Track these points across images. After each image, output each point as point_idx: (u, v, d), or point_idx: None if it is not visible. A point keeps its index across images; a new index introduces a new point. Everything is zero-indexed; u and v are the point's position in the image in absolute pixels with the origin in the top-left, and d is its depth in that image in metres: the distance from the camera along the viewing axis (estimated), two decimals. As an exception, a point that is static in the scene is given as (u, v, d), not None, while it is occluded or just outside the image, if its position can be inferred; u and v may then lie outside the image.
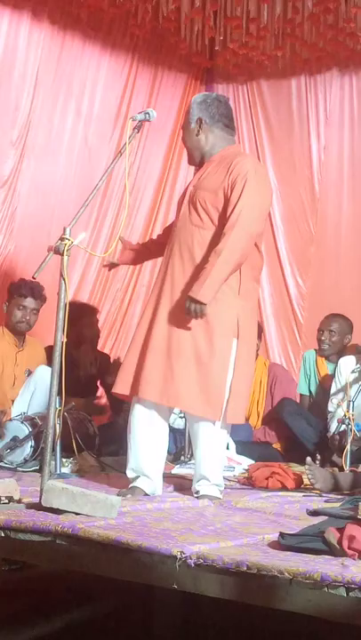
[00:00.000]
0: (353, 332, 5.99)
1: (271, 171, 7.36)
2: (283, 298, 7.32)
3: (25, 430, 4.64)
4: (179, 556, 2.55)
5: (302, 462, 4.34)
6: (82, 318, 5.63)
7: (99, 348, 6.03)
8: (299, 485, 4.33)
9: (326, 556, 2.57)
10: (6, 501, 3.31)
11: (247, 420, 5.91)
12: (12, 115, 6.06)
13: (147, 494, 3.80)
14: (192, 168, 4.35)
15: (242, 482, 4.52)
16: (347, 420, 4.65)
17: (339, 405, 5.18)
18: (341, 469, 4.61)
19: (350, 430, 4.61)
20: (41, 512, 3.16)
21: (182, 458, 5.03)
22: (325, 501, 3.88)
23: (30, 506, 3.29)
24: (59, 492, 3.18)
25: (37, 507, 3.22)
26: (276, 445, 5.80)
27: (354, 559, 2.53)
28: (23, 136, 6.11)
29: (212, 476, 3.84)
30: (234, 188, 3.76)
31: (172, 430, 4.72)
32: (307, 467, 4.17)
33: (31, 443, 4.61)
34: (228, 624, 3.10)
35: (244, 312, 3.83)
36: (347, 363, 5.42)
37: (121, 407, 5.50)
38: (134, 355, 3.87)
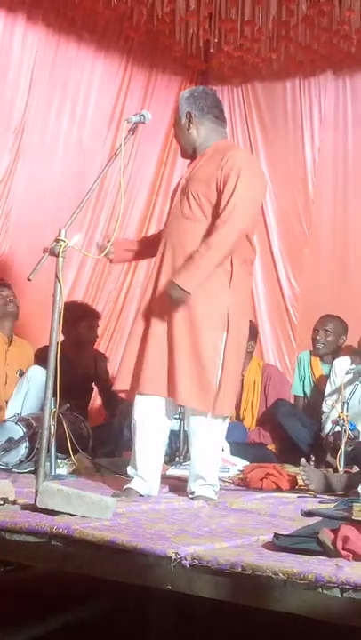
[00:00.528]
0: (347, 334, 6.01)
1: (266, 172, 7.30)
2: (277, 299, 7.33)
3: (20, 431, 4.64)
4: (173, 557, 2.56)
5: (297, 463, 4.35)
6: (82, 320, 5.65)
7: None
8: (293, 486, 4.34)
9: (321, 557, 2.58)
10: (1, 502, 3.31)
11: (242, 420, 5.92)
12: (6, 116, 6.07)
13: (141, 495, 3.80)
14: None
15: (236, 483, 4.53)
16: (341, 422, 4.66)
17: (333, 407, 5.19)
18: (336, 470, 4.62)
19: (345, 431, 4.62)
20: (36, 513, 3.16)
21: (177, 459, 5.03)
22: (320, 502, 3.89)
23: (25, 507, 3.29)
24: (54, 493, 3.19)
25: (32, 508, 3.22)
26: (271, 446, 5.81)
27: (348, 560, 2.53)
28: (18, 137, 6.12)
29: (207, 476, 3.85)
30: (227, 182, 3.75)
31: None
32: (301, 468, 4.18)
33: (26, 444, 4.61)
34: (223, 625, 3.11)
35: (234, 305, 3.83)
36: (341, 364, 5.43)
37: (116, 408, 5.51)
38: (133, 351, 3.87)
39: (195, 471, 3.87)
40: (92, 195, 3.80)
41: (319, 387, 5.85)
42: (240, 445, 5.41)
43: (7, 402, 5.18)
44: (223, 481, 4.50)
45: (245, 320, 4.02)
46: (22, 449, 4.60)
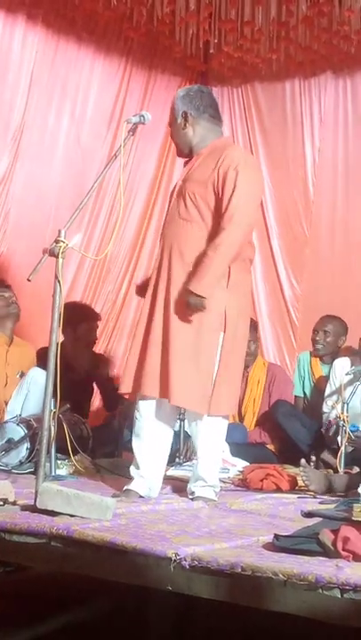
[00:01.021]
0: (347, 334, 6.01)
1: (266, 173, 7.36)
2: (278, 299, 7.33)
3: (20, 432, 4.64)
4: (173, 558, 2.56)
5: (297, 464, 4.35)
6: (82, 322, 5.64)
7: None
8: (293, 487, 4.34)
9: (321, 558, 2.58)
10: (1, 503, 3.31)
11: (242, 418, 5.92)
12: (6, 116, 6.07)
13: (141, 497, 3.80)
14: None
15: (236, 483, 4.53)
16: (341, 422, 4.65)
17: (333, 407, 5.19)
18: (336, 471, 4.62)
19: (345, 432, 4.62)
20: (36, 514, 3.16)
21: (177, 460, 5.02)
22: (320, 503, 3.89)
23: (25, 508, 3.29)
24: (53, 494, 3.19)
25: (32, 509, 3.22)
26: (271, 447, 5.81)
27: (348, 561, 2.53)
28: (17, 137, 6.12)
29: (208, 477, 3.86)
30: (225, 181, 3.75)
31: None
32: (301, 468, 4.18)
33: (27, 445, 4.60)
34: (223, 626, 3.10)
35: (231, 305, 3.83)
36: (341, 364, 5.43)
37: (115, 407, 5.51)
38: (135, 353, 3.88)
39: (197, 472, 3.87)
40: (91, 195, 3.79)
41: (319, 387, 5.85)
42: (240, 446, 5.41)
43: (7, 403, 5.18)
44: (223, 481, 4.50)
45: (244, 319, 4.00)
46: (23, 450, 4.60)
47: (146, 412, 3.85)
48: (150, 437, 3.85)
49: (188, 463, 4.80)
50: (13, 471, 4.53)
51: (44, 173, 6.38)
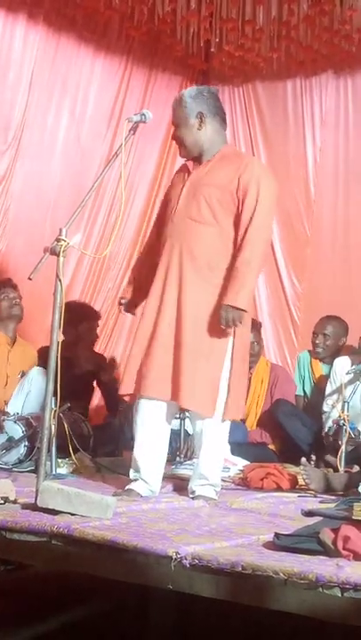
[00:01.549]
0: (349, 333, 6.00)
1: (267, 172, 7.37)
2: (279, 298, 7.33)
3: (19, 431, 4.64)
4: (174, 557, 2.56)
5: (297, 463, 4.35)
6: (83, 322, 5.63)
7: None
8: (294, 486, 4.34)
9: (321, 557, 2.58)
10: (2, 502, 3.32)
11: (244, 420, 5.92)
12: (7, 115, 6.07)
13: (142, 496, 3.80)
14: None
15: (237, 482, 4.53)
16: (341, 422, 4.65)
17: (333, 406, 5.19)
18: (336, 470, 4.62)
19: (345, 431, 4.62)
20: (36, 512, 3.16)
21: (178, 459, 5.03)
22: (320, 502, 3.89)
23: (26, 506, 3.29)
24: (54, 492, 3.19)
25: (33, 507, 3.23)
26: (272, 446, 5.81)
27: (348, 560, 2.53)
28: (18, 136, 6.12)
29: (210, 476, 3.86)
30: (247, 192, 3.79)
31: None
32: (302, 467, 4.18)
33: (25, 443, 4.61)
34: (223, 624, 3.11)
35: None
36: (342, 363, 5.42)
37: (117, 408, 5.51)
38: (138, 355, 3.86)
39: (198, 470, 3.87)
40: (91, 194, 3.79)
41: (319, 386, 5.84)
42: (241, 445, 5.40)
43: (7, 402, 5.18)
44: (224, 480, 4.49)
45: (248, 320, 4.02)
46: (22, 448, 4.61)
47: (146, 414, 3.84)
48: (150, 439, 3.84)
49: (188, 462, 4.80)
50: (13, 469, 4.53)
51: (44, 171, 6.38)
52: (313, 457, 4.53)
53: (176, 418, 5.07)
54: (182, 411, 4.55)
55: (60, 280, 3.47)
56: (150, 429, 3.84)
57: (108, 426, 5.57)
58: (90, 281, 6.74)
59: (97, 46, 6.67)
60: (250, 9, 6.49)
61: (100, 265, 6.73)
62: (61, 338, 3.56)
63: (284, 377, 6.09)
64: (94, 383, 5.87)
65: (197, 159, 3.98)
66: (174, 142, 4.14)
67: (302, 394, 6.10)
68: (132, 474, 3.86)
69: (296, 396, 6.09)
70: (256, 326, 6.09)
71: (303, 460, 4.23)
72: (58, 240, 3.47)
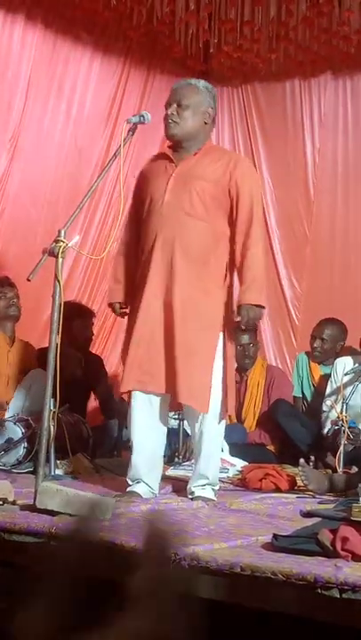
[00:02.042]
0: (348, 334, 5.99)
1: (266, 173, 7.39)
2: (278, 299, 7.33)
3: (18, 432, 4.64)
4: (172, 558, 2.55)
5: (296, 464, 4.35)
6: (76, 319, 5.63)
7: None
8: (292, 487, 4.34)
9: (320, 558, 2.58)
10: (1, 503, 3.31)
11: (243, 420, 5.92)
12: (4, 116, 6.07)
13: (143, 498, 3.79)
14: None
15: (236, 483, 4.53)
16: (340, 422, 4.65)
17: (332, 407, 5.19)
18: (335, 471, 4.62)
19: (344, 432, 4.62)
20: (35, 514, 3.16)
21: (176, 459, 5.03)
22: (319, 503, 3.89)
23: (25, 507, 3.29)
24: (53, 493, 3.19)
25: (32, 508, 3.22)
26: (270, 447, 5.81)
27: (347, 560, 2.53)
28: (16, 137, 6.12)
29: (210, 476, 3.87)
30: (241, 190, 3.82)
31: (168, 431, 4.72)
32: (300, 468, 4.18)
33: (24, 444, 4.61)
34: (221, 626, 3.10)
35: (229, 306, 3.88)
36: (343, 363, 5.39)
37: (112, 410, 5.50)
38: (134, 351, 3.83)
39: (197, 471, 3.88)
40: (89, 195, 3.79)
41: (319, 387, 5.84)
42: (239, 446, 5.41)
43: (8, 402, 5.18)
44: (222, 481, 4.50)
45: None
46: (21, 449, 4.61)
47: (141, 413, 3.83)
48: (147, 440, 3.84)
49: (187, 463, 4.80)
50: (13, 471, 4.53)
51: (40, 172, 6.38)
52: (312, 458, 4.53)
53: (175, 418, 5.08)
54: (178, 411, 4.54)
55: (58, 281, 3.47)
56: (146, 430, 3.84)
57: (106, 427, 5.57)
58: (87, 282, 6.73)
59: (95, 47, 6.67)
60: (248, 10, 6.49)
61: (98, 266, 6.72)
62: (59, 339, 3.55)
63: (280, 377, 6.09)
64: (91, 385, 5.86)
65: (178, 148, 3.94)
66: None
67: (300, 395, 6.10)
68: (131, 477, 3.85)
69: (295, 397, 6.09)
70: (252, 329, 6.08)
71: (302, 461, 4.23)
72: (56, 241, 3.46)
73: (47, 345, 3.52)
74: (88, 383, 5.80)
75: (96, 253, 6.18)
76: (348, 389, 4.92)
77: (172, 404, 3.92)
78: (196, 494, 3.81)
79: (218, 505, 3.72)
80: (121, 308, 4.04)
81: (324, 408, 5.44)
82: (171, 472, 4.71)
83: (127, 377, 3.85)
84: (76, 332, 5.63)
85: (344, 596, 2.31)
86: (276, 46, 6.83)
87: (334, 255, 7.19)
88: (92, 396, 6.02)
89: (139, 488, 3.81)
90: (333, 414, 5.02)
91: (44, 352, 3.60)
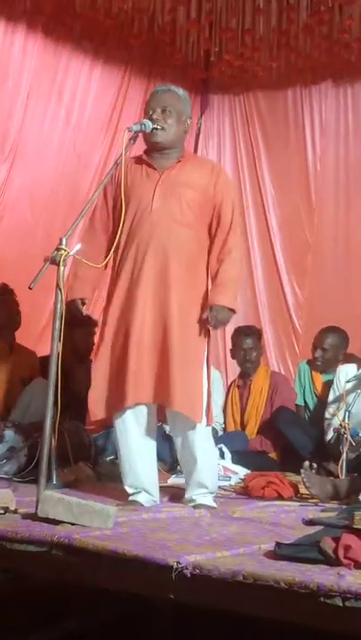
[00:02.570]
0: (350, 341, 5.97)
1: (268, 180, 7.42)
2: (281, 306, 7.34)
3: (19, 440, 4.63)
4: (175, 567, 2.55)
5: (298, 471, 4.33)
6: (78, 328, 5.61)
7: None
8: (295, 495, 4.33)
9: (322, 566, 2.57)
10: (2, 512, 3.30)
11: (245, 426, 5.91)
12: (4, 124, 6.08)
13: (145, 507, 3.78)
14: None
15: (238, 491, 4.52)
16: (342, 430, 4.64)
17: (335, 415, 5.17)
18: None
19: (346, 439, 4.61)
20: (37, 522, 3.15)
21: (178, 467, 5.01)
22: (322, 511, 3.88)
23: (26, 516, 3.28)
24: (55, 502, 3.18)
25: (33, 517, 3.21)
26: (273, 455, 5.80)
27: (350, 569, 2.52)
28: (16, 145, 6.13)
29: (210, 484, 3.87)
30: (224, 200, 3.88)
31: (168, 439, 4.72)
32: (302, 471, 4.17)
33: (25, 452, 4.60)
34: (224, 635, 3.10)
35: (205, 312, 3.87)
36: (346, 370, 5.37)
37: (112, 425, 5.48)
38: (105, 373, 3.81)
39: (196, 479, 3.85)
40: (86, 203, 3.78)
41: (321, 396, 5.83)
42: (241, 454, 5.40)
43: (10, 411, 5.18)
44: (225, 489, 4.50)
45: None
46: (22, 458, 4.60)
47: (132, 428, 3.81)
48: (141, 453, 3.83)
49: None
50: (14, 479, 4.53)
51: (40, 180, 6.37)
52: (314, 465, 4.52)
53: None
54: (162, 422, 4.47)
55: (60, 289, 3.46)
56: (140, 441, 3.82)
57: (106, 435, 5.55)
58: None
59: (95, 55, 6.67)
60: (249, 18, 6.52)
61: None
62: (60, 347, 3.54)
63: (284, 384, 6.08)
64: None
65: (158, 155, 3.91)
66: None
67: (303, 404, 6.09)
68: (129, 489, 3.84)
69: (297, 405, 6.08)
70: (256, 333, 6.09)
71: (305, 463, 4.22)
72: (58, 249, 3.46)
73: (47, 353, 3.51)
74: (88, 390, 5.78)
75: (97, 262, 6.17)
76: (351, 397, 4.91)
77: (159, 414, 3.91)
78: (198, 502, 3.80)
79: (220, 513, 3.71)
80: (82, 304, 3.97)
81: (327, 415, 5.43)
82: (172, 480, 4.70)
83: (96, 404, 3.84)
84: (78, 341, 5.61)
85: (347, 604, 2.30)
86: (277, 54, 6.86)
87: (336, 262, 7.19)
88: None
89: (140, 497, 3.80)
90: (336, 422, 5.00)
91: (46, 360, 3.59)
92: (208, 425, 3.85)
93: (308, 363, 6.10)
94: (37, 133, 6.35)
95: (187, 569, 2.53)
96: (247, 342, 5.93)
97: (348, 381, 5.08)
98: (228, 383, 6.38)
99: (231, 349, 6.16)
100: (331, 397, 5.47)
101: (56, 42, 6.34)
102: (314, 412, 5.99)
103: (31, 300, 5.34)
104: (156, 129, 3.82)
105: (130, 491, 3.84)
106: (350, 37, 6.48)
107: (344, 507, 3.83)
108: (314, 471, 4.37)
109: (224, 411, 6.04)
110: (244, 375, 6.04)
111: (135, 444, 3.83)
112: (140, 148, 3.97)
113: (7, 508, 3.33)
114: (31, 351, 5.58)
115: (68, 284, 3.88)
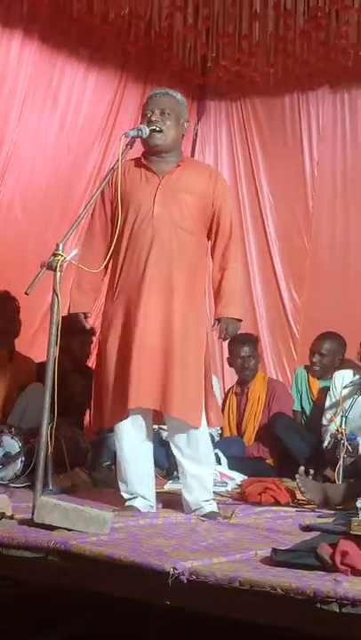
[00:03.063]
0: (347, 346, 5.97)
1: (265, 186, 7.43)
2: (279, 312, 7.34)
3: (16, 446, 4.63)
4: (171, 572, 2.55)
5: (295, 477, 4.32)
6: (75, 336, 5.60)
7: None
8: (292, 501, 4.32)
9: (319, 572, 2.57)
10: (-2, 518, 3.30)
11: (243, 433, 5.91)
12: (0, 130, 6.08)
13: (141, 512, 3.78)
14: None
15: (235, 497, 4.52)
16: (339, 435, 4.64)
17: (332, 420, 5.17)
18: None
19: (343, 445, 4.60)
20: (33, 528, 3.15)
21: (175, 473, 5.00)
22: (318, 517, 3.88)
23: (22, 522, 3.27)
24: (51, 508, 3.18)
25: (30, 523, 3.21)
26: (269, 461, 5.79)
27: (346, 575, 2.52)
28: (11, 150, 6.13)
29: (211, 489, 3.90)
30: (223, 205, 3.90)
31: (164, 445, 4.71)
32: (298, 476, 4.17)
33: (22, 458, 4.59)
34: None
35: (208, 319, 3.92)
36: (343, 376, 5.36)
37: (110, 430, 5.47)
38: (109, 379, 3.80)
39: (200, 484, 3.83)
40: (80, 207, 3.78)
41: (318, 401, 5.82)
42: (238, 460, 5.39)
43: (7, 417, 5.17)
44: (221, 495, 4.49)
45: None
46: (18, 463, 4.59)
47: (130, 434, 3.80)
48: (137, 459, 3.83)
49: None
50: (10, 485, 4.52)
51: (34, 185, 6.36)
52: (311, 471, 4.52)
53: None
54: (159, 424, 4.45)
55: (57, 295, 3.45)
56: (138, 446, 3.82)
57: (103, 440, 5.54)
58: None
59: (92, 61, 6.65)
60: (246, 24, 6.53)
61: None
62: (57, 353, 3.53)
63: (281, 391, 6.07)
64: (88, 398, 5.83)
65: (156, 159, 3.89)
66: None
67: (300, 409, 6.08)
68: (128, 491, 3.83)
69: (294, 411, 6.07)
70: (253, 341, 6.08)
71: (301, 469, 4.22)
72: (55, 255, 3.44)
73: (40, 357, 3.51)
74: (85, 397, 5.77)
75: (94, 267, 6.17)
76: (348, 402, 4.91)
77: (155, 417, 3.90)
78: (208, 510, 3.79)
79: (217, 518, 3.71)
80: (85, 318, 3.99)
81: (324, 421, 5.42)
82: (169, 486, 4.69)
83: (104, 411, 3.83)
84: (76, 348, 5.59)
85: (344, 610, 2.30)
86: (274, 60, 6.86)
87: (334, 268, 7.19)
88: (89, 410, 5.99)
89: (137, 502, 3.80)
90: (333, 427, 5.00)
91: (43, 366, 3.58)
92: (213, 426, 3.88)
93: (306, 368, 6.09)
94: (32, 139, 6.34)
95: (183, 575, 2.53)
96: (245, 350, 5.93)
97: (344, 387, 5.08)
98: (226, 390, 6.37)
99: (228, 357, 6.15)
100: (328, 403, 5.46)
101: (52, 47, 6.33)
102: (310, 417, 5.99)
103: (23, 305, 5.32)
104: (155, 130, 3.80)
105: (126, 496, 3.83)
106: (347, 43, 6.49)
107: (341, 513, 3.82)
108: (310, 477, 4.37)
109: (221, 417, 6.04)
110: (242, 383, 6.04)
111: (132, 450, 3.82)
112: (137, 150, 3.95)
113: (3, 513, 3.32)
114: (29, 358, 5.57)
115: (71, 297, 3.95)
